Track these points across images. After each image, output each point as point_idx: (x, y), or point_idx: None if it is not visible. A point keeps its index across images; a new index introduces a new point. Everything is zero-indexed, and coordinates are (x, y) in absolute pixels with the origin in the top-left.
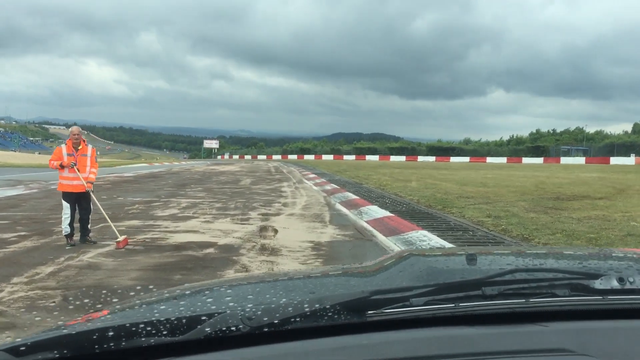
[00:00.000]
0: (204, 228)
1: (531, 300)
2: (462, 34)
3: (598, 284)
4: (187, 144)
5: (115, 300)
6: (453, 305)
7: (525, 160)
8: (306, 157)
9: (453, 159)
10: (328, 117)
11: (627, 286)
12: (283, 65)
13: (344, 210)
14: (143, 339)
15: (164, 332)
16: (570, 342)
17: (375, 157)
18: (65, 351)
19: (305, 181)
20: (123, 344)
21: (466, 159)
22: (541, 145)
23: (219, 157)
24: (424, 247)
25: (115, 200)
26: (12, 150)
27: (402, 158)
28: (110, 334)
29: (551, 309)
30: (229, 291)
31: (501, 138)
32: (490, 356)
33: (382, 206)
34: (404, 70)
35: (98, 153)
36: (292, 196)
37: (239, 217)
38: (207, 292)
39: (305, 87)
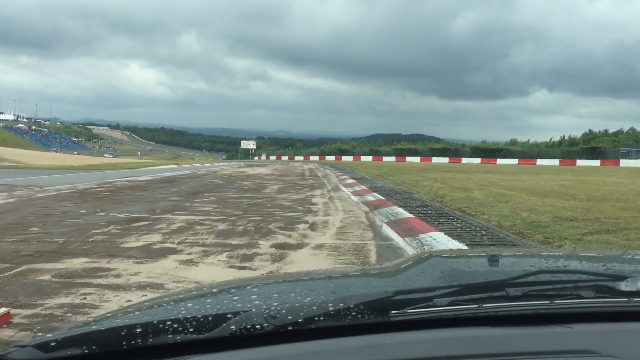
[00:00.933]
0: (174, 278)
1: (556, 301)
2: (504, 32)
3: (623, 286)
4: (226, 144)
5: None
6: (476, 305)
7: (580, 162)
8: (344, 158)
9: (500, 161)
10: (366, 118)
11: None
12: (320, 65)
13: (395, 237)
14: (170, 336)
15: (190, 330)
16: (596, 344)
17: (416, 159)
18: (94, 347)
19: (342, 188)
20: (150, 340)
21: (514, 161)
22: (597, 146)
23: (256, 157)
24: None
25: (93, 216)
26: (53, 151)
27: (445, 160)
28: (138, 330)
29: (576, 311)
30: (254, 290)
31: (551, 139)
32: (514, 356)
33: (452, 233)
34: (444, 70)
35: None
36: (325, 211)
37: (241, 251)
38: (233, 290)
39: (343, 87)
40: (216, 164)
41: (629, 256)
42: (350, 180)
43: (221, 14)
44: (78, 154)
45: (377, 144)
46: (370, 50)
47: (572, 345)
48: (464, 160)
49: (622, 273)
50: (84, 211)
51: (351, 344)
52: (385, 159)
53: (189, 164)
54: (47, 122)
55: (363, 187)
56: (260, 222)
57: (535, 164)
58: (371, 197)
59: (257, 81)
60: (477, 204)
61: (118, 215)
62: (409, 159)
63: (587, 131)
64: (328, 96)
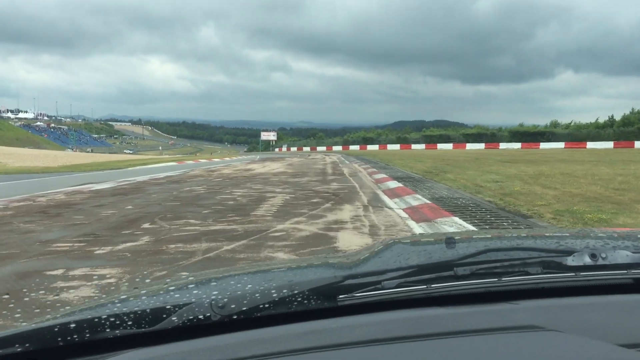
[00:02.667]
0: None
1: (503, 279)
2: (528, 11)
3: (570, 261)
4: (248, 136)
5: None
6: (425, 286)
7: (638, 144)
8: (369, 147)
9: (543, 145)
10: (388, 106)
11: (600, 262)
12: (341, 53)
13: None
14: (107, 331)
15: (129, 323)
16: (541, 319)
17: (448, 146)
18: (27, 345)
19: (386, 200)
20: (87, 335)
21: (559, 145)
22: None
23: (277, 149)
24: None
25: None
26: (69, 148)
27: (480, 145)
28: (73, 326)
29: (523, 287)
30: (191, 283)
31: (597, 119)
32: (460, 335)
33: None
34: (466, 54)
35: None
36: None
37: None
38: (171, 286)
39: (364, 75)
40: (227, 159)
41: (583, 233)
42: (393, 183)
43: (240, 4)
44: (91, 150)
45: (404, 131)
46: (391, 36)
47: (517, 322)
48: (502, 145)
49: (571, 248)
50: None
51: (297, 330)
52: (413, 146)
53: (193, 160)
54: (68, 119)
55: (421, 198)
56: None
57: (586, 148)
58: (452, 225)
59: (277, 72)
60: None
61: None
62: (440, 146)
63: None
64: (349, 84)
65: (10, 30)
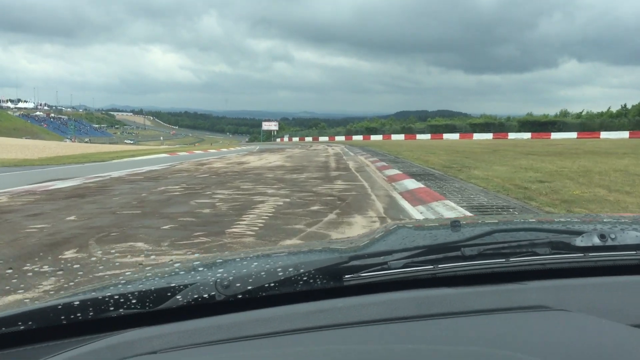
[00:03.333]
0: None
1: (511, 259)
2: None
3: (579, 242)
4: (250, 126)
5: None
6: (432, 267)
7: None
8: (373, 137)
9: (554, 135)
10: (391, 96)
11: (609, 243)
12: (344, 43)
13: None
14: (112, 309)
15: (134, 302)
16: (549, 299)
17: (454, 136)
18: (30, 322)
19: (408, 208)
20: (90, 314)
21: (572, 135)
22: None
23: (278, 139)
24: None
25: None
26: (67, 138)
27: (488, 136)
28: (76, 304)
29: (531, 268)
30: (197, 264)
31: (609, 108)
32: (467, 315)
33: None
34: (469, 44)
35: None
36: None
37: None
38: (176, 265)
39: (367, 65)
40: (225, 150)
41: (591, 218)
42: (410, 182)
43: None
44: (89, 140)
45: (408, 121)
46: (394, 26)
47: (525, 302)
48: (511, 135)
49: (581, 230)
50: None
51: (302, 309)
52: (418, 136)
53: (188, 152)
54: (69, 109)
55: (455, 206)
56: None
57: (599, 138)
58: None
59: (279, 62)
60: None
61: None
62: (445, 136)
63: None
64: (352, 75)
65: (11, 19)
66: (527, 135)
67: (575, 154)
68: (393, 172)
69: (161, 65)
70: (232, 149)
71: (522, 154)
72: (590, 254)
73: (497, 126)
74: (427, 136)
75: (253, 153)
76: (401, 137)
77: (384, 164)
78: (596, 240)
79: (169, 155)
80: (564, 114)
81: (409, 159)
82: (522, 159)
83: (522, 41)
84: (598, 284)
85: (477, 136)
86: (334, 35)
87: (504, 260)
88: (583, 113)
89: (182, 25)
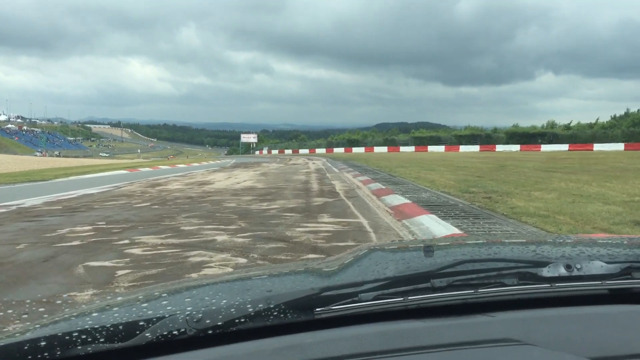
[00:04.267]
0: None
1: (480, 290)
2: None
3: (546, 272)
4: (229, 139)
5: None
6: (402, 299)
7: None
8: (354, 149)
9: (545, 147)
10: (370, 108)
11: (575, 273)
12: (323, 55)
13: None
14: (79, 347)
15: (101, 340)
16: (516, 332)
17: (439, 148)
18: None
19: None
20: (58, 353)
21: (562, 147)
22: None
23: (257, 152)
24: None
25: None
26: (37, 152)
27: (475, 148)
28: (43, 344)
29: (499, 299)
30: (164, 296)
31: (597, 119)
32: (436, 350)
33: None
34: (448, 56)
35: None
36: None
37: None
38: (140, 297)
39: (346, 77)
40: (196, 164)
41: (560, 240)
42: (434, 224)
43: (220, 4)
44: (59, 154)
45: (390, 133)
46: (373, 38)
47: (493, 334)
48: (499, 147)
49: (547, 259)
50: None
51: (273, 344)
52: (402, 149)
53: (151, 167)
54: (44, 122)
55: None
56: None
57: (592, 150)
58: None
59: (259, 74)
60: None
61: None
62: (430, 148)
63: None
64: (332, 86)
65: None
66: (515, 148)
67: (604, 170)
68: (397, 199)
69: (140, 78)
70: (205, 163)
71: (542, 171)
72: (557, 284)
73: (484, 138)
74: (411, 148)
75: (225, 169)
76: (384, 149)
77: (380, 185)
78: (562, 271)
79: (127, 171)
80: (551, 125)
81: (407, 178)
82: (553, 179)
83: (499, 53)
84: (565, 315)
85: (463, 148)
86: (314, 47)
87: (472, 291)
88: (571, 124)
89: (161, 37)
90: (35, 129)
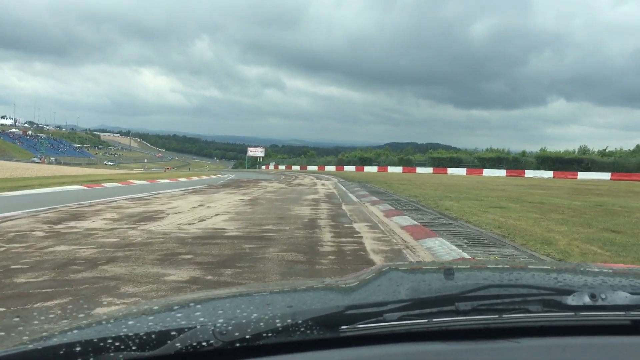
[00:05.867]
0: None
1: (504, 316)
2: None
3: (570, 300)
4: (238, 152)
5: None
6: (426, 320)
7: None
8: (367, 168)
9: (582, 175)
10: (380, 127)
11: (599, 302)
12: (335, 72)
13: None
14: (112, 354)
15: (133, 347)
16: (540, 358)
17: (460, 171)
18: None
19: None
20: (91, 358)
21: (604, 176)
22: None
23: (263, 167)
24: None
25: None
26: (36, 158)
27: (501, 172)
28: (78, 349)
29: (523, 325)
30: (197, 306)
31: (637, 146)
32: None
33: None
34: (460, 78)
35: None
36: None
37: None
38: (175, 307)
39: (357, 95)
40: (184, 179)
41: (581, 269)
42: None
43: (235, 18)
44: (56, 160)
45: (406, 152)
46: (385, 57)
47: None
48: (529, 173)
49: (571, 287)
50: None
51: (300, 359)
52: (418, 170)
53: (119, 182)
54: (52, 127)
55: None
56: None
57: None
58: None
59: (270, 89)
60: None
61: None
62: (450, 170)
63: None
64: (342, 104)
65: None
66: (547, 174)
67: None
68: None
69: (152, 88)
70: (196, 178)
71: None
72: (581, 313)
73: (511, 162)
74: (429, 170)
75: (210, 187)
76: (398, 169)
77: (455, 249)
78: (587, 300)
79: (84, 187)
80: (583, 151)
81: (485, 227)
82: None
83: (511, 77)
84: (588, 344)
85: (487, 172)
86: (326, 64)
87: (497, 316)
88: (607, 150)
89: (174, 48)
90: (40, 135)
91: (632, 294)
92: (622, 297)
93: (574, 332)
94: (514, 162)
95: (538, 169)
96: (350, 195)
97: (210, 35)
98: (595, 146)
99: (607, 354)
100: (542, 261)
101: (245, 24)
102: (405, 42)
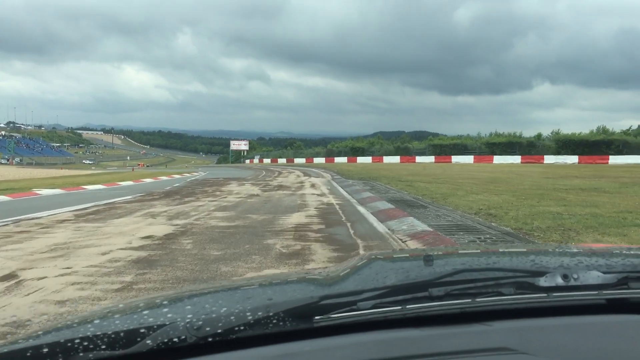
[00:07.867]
0: None
1: (477, 299)
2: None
3: (543, 282)
4: (224, 146)
5: None
6: (400, 307)
7: None
8: (360, 159)
9: (615, 159)
10: (365, 116)
11: (572, 283)
12: (320, 63)
13: None
14: (81, 355)
15: (102, 347)
16: (512, 341)
17: (466, 159)
18: None
19: None
20: (60, 359)
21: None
22: None
23: (248, 160)
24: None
25: None
26: (4, 159)
27: (514, 159)
28: (45, 350)
29: (496, 308)
30: (164, 303)
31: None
32: (434, 357)
33: None
34: (445, 65)
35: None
36: None
37: None
38: (141, 305)
39: (342, 85)
40: (164, 177)
41: (559, 250)
42: None
43: (215, 10)
44: (21, 160)
45: (402, 139)
46: (370, 46)
47: (489, 343)
48: (548, 159)
49: (546, 269)
50: None
51: (272, 352)
52: (418, 159)
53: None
54: (30, 127)
55: None
56: None
57: None
58: None
59: (255, 81)
60: None
61: None
62: (455, 158)
63: None
64: (328, 95)
65: None
66: (571, 159)
67: None
68: None
69: (136, 84)
70: (165, 178)
71: None
72: (554, 294)
73: (525, 147)
74: (429, 159)
75: (151, 195)
76: (396, 159)
77: None
78: (559, 280)
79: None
80: (605, 131)
81: None
82: None
83: (496, 63)
84: (561, 325)
85: (497, 159)
86: (310, 55)
87: (470, 300)
88: (630, 130)
89: (156, 43)
90: (16, 135)
91: (605, 272)
92: (594, 276)
93: (548, 313)
94: (529, 147)
95: (558, 153)
96: (353, 201)
97: (192, 28)
98: (580, 129)
99: (580, 333)
100: (523, 244)
101: (227, 16)
102: (389, 29)
